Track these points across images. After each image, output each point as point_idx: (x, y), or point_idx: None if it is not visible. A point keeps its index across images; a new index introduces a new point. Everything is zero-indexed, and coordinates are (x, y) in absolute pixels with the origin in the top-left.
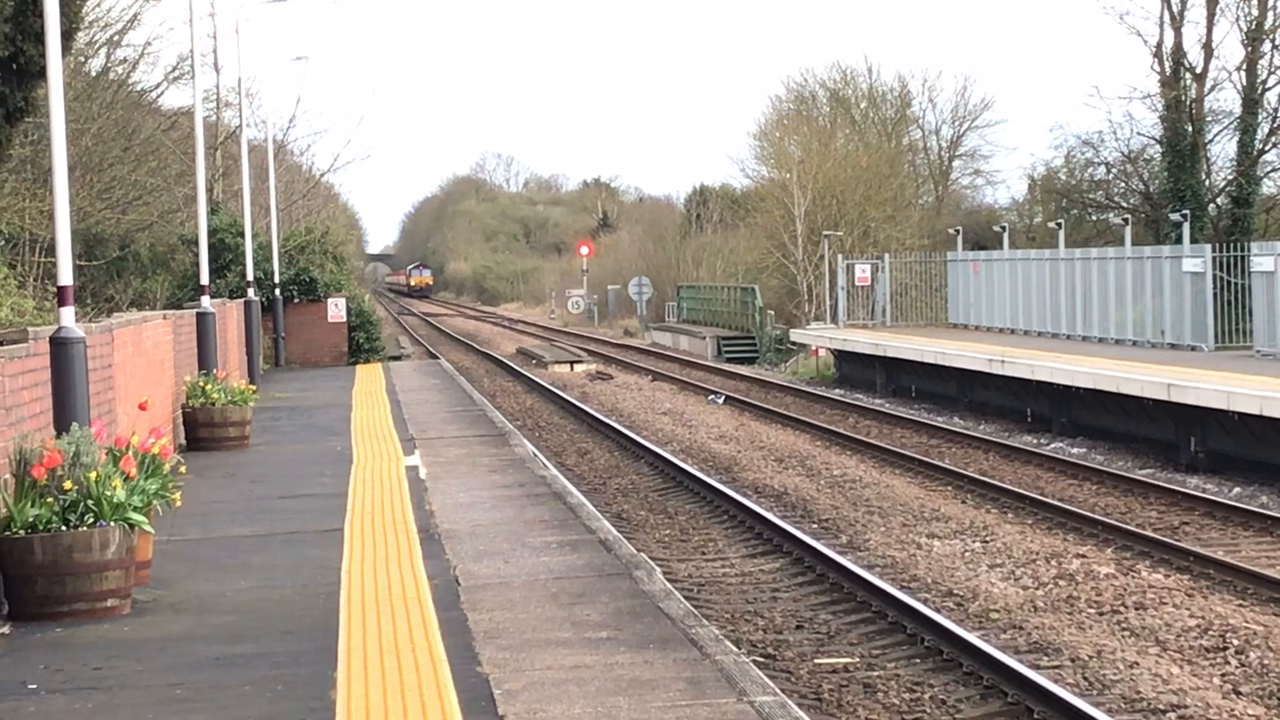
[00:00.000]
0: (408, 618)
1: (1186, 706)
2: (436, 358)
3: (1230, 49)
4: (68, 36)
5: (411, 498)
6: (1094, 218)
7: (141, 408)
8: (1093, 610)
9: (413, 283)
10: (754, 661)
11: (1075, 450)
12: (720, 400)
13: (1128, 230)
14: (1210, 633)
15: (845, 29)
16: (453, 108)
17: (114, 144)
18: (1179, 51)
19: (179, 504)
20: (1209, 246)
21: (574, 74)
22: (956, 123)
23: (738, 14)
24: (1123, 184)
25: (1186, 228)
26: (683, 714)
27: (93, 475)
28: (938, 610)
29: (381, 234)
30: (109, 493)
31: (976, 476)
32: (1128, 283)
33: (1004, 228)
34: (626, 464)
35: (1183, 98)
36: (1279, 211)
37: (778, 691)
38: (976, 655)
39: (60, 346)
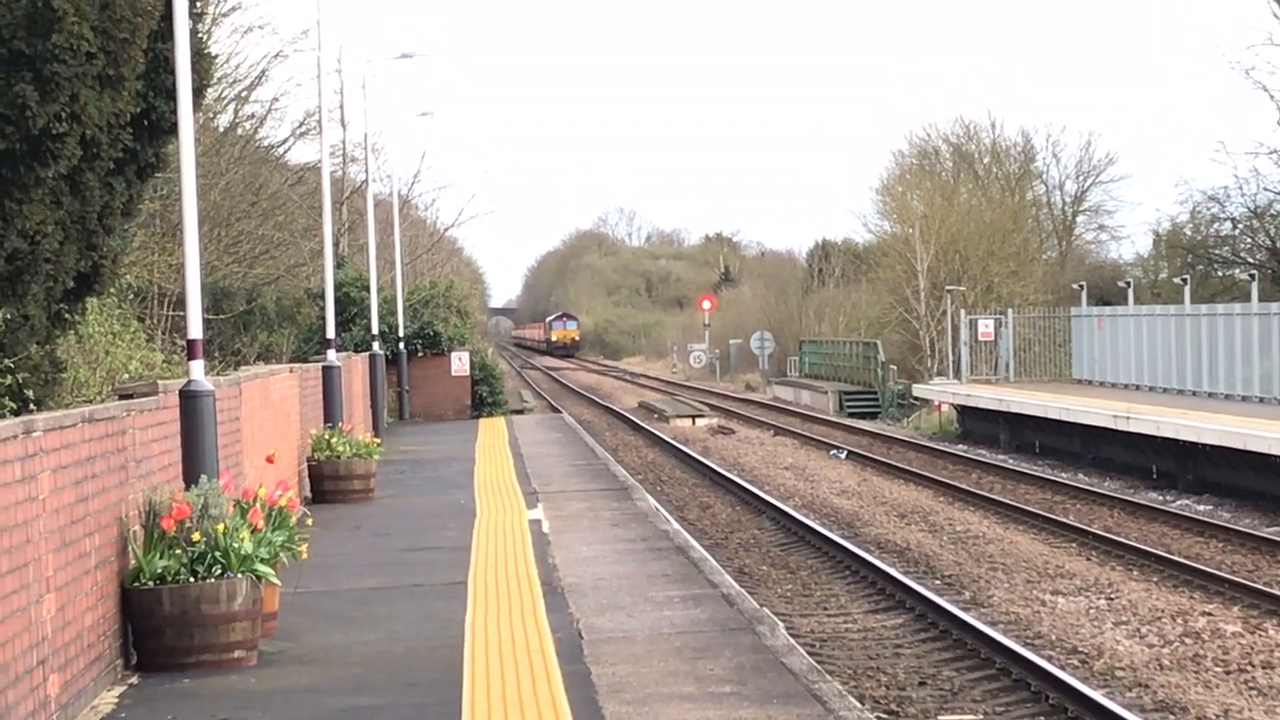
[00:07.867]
0: (531, 671)
1: None
2: (559, 411)
3: None
4: (198, 93)
5: (534, 551)
6: (1220, 273)
7: (269, 461)
8: (1219, 669)
9: (554, 338)
10: (877, 718)
11: (1201, 507)
12: (842, 455)
13: (1254, 286)
14: None
15: (969, 84)
16: (575, 162)
17: (241, 199)
18: None
19: (305, 556)
20: None
21: (696, 129)
22: (1080, 178)
23: (861, 69)
24: (1249, 239)
25: None
26: None
27: (220, 527)
28: (1062, 667)
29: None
30: (236, 544)
31: (1101, 533)
32: (1254, 339)
33: (1129, 283)
34: (748, 519)
35: None
36: None
37: None
38: (1102, 713)
39: (190, 399)
